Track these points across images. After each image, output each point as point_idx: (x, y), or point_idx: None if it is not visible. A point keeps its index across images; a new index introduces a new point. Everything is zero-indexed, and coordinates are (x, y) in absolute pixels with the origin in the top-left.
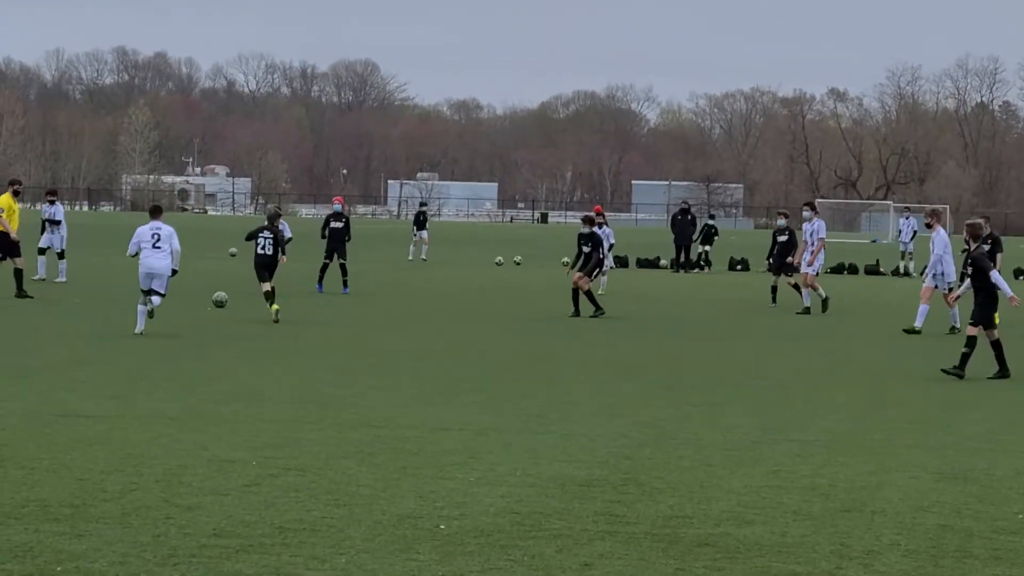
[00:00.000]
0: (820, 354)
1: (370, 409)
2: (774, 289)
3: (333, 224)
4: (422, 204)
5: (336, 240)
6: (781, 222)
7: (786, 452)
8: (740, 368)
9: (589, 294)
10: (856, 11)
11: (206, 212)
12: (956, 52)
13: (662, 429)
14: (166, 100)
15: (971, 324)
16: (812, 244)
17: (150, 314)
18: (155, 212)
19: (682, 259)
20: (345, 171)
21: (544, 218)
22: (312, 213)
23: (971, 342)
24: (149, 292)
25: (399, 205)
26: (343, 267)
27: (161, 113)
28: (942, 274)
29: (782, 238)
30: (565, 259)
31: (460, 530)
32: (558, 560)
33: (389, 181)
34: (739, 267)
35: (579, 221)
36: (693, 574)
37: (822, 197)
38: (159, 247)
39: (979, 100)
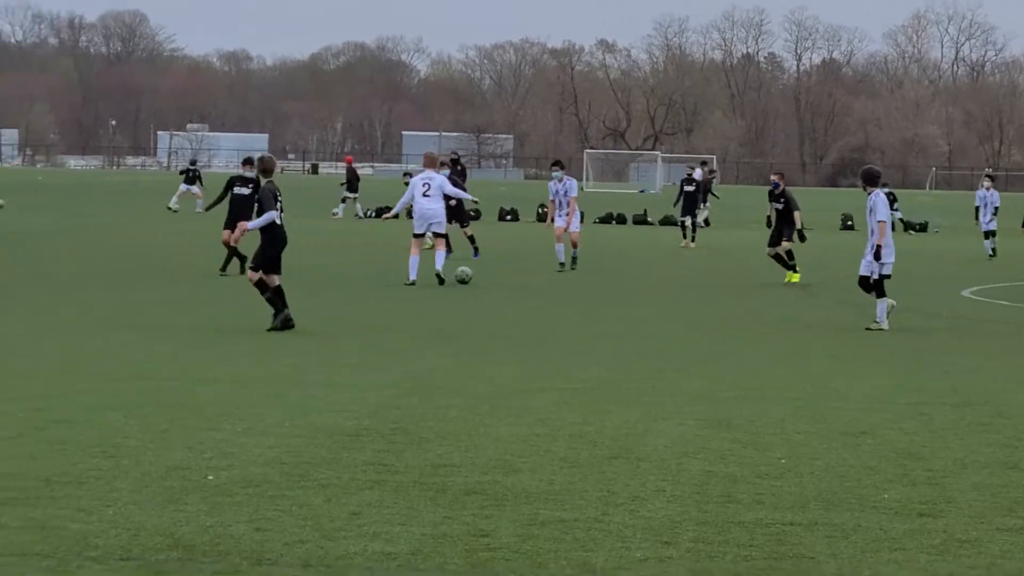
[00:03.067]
0: (583, 304)
1: (136, 362)
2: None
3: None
4: (192, 163)
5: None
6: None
7: (554, 400)
8: (505, 318)
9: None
10: None
11: None
12: (723, 4)
13: (431, 379)
14: None
15: (251, 269)
16: (565, 204)
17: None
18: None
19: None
20: (114, 122)
21: (315, 169)
22: (81, 165)
23: (260, 285)
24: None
25: (168, 156)
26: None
27: None
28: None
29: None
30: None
31: (228, 481)
32: (326, 509)
33: (159, 133)
34: (508, 217)
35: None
36: (461, 522)
37: (591, 147)
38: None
39: (745, 51)
